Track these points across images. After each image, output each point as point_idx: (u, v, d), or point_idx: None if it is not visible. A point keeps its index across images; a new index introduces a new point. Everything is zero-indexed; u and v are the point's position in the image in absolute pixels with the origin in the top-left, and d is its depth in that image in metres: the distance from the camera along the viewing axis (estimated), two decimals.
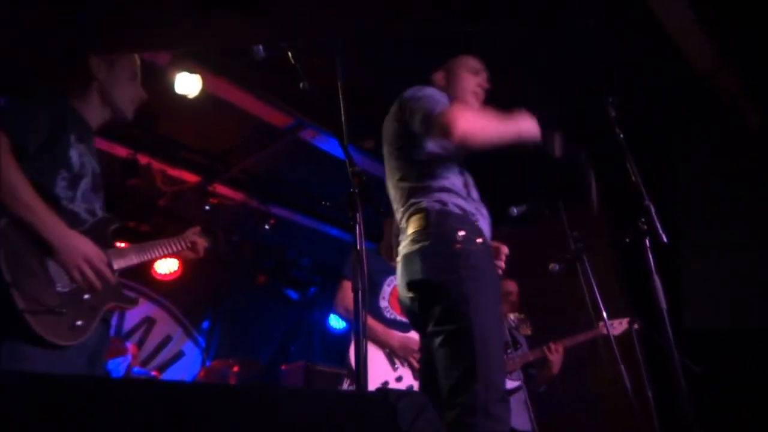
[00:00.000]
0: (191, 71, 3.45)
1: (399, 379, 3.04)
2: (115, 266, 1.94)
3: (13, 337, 1.64)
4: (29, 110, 1.85)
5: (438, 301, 1.96)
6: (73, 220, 1.87)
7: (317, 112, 4.32)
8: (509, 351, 3.72)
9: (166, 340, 5.84)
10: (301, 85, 1.99)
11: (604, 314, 3.10)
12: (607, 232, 4.52)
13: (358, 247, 1.69)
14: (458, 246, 1.97)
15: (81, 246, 1.80)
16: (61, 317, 1.72)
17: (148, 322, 5.75)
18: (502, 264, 2.30)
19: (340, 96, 2.04)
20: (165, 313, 5.86)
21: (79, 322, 1.77)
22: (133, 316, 5.62)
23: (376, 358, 3.06)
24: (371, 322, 3.11)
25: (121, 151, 4.36)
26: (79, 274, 1.79)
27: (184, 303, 5.95)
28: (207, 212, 4.91)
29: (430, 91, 2.19)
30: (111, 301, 1.91)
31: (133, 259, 2.12)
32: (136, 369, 5.06)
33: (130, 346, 5.21)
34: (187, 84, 3.45)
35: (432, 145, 2.15)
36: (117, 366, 4.95)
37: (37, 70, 2.53)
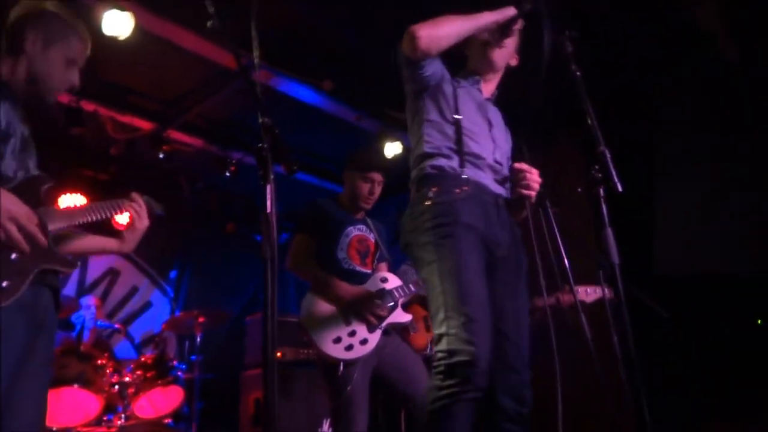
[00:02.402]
0: (121, 9, 3.15)
1: (352, 333, 2.93)
2: (50, 227, 1.84)
3: None
4: None
5: (415, 259, 2.12)
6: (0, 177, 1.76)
7: (271, 53, 4.06)
8: None
9: (132, 292, 5.74)
10: (208, 24, 1.75)
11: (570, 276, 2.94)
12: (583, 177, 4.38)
13: (268, 210, 1.51)
14: (427, 203, 2.09)
15: (5, 203, 1.67)
16: None
17: (112, 274, 5.62)
18: (526, 190, 2.28)
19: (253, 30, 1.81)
20: (129, 263, 5.72)
21: (4, 284, 1.68)
22: (96, 268, 5.49)
23: (328, 313, 2.94)
24: (322, 276, 2.99)
25: (62, 98, 4.08)
26: (5, 233, 1.66)
27: (149, 253, 5.80)
28: (163, 159, 4.70)
29: None
30: (45, 264, 1.80)
31: (64, 221, 2.00)
32: (100, 322, 4.97)
33: (93, 299, 5.11)
34: (118, 23, 3.16)
35: (416, 97, 2.29)
36: (82, 320, 4.87)
37: None
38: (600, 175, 2.07)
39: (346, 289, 2.95)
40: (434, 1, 2.37)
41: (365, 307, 2.92)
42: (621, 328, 2.10)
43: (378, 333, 2.93)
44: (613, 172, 2.04)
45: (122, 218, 5.71)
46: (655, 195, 4.06)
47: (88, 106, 4.25)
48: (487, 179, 2.22)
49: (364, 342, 2.89)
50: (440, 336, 1.90)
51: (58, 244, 2.13)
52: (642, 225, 4.30)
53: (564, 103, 2.73)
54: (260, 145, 1.57)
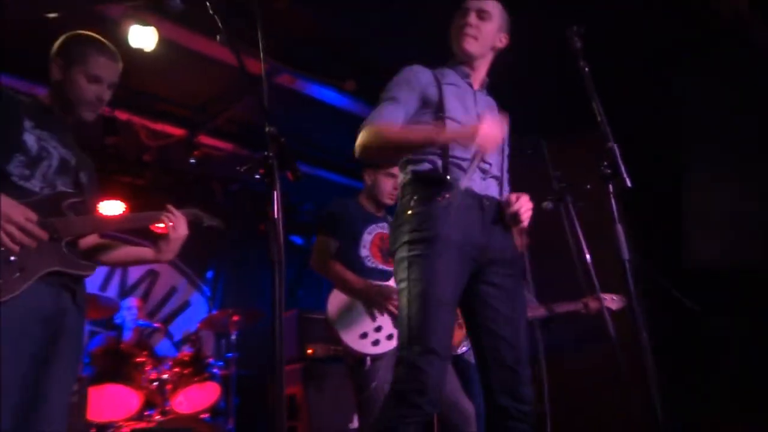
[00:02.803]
0: (144, 24, 3.28)
1: (378, 329, 2.99)
2: (65, 235, 1.97)
3: None
4: None
5: (394, 268, 2.12)
6: (21, 194, 1.90)
7: (294, 57, 4.16)
8: None
9: (171, 292, 5.94)
10: (218, 38, 1.84)
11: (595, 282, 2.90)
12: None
13: (276, 216, 1.58)
14: (409, 213, 2.07)
15: (3, 208, 1.80)
16: None
17: (152, 275, 5.83)
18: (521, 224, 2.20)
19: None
20: (168, 265, 5.92)
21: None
22: (136, 270, 5.71)
23: (354, 309, 3.00)
24: (346, 274, 3.05)
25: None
26: (5, 234, 1.79)
27: (186, 254, 5.95)
28: (195, 164, 4.86)
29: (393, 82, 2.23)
30: (55, 266, 1.91)
31: (91, 229, 2.18)
32: (141, 322, 5.17)
33: (134, 300, 5.31)
34: (142, 37, 3.30)
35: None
36: (123, 320, 5.07)
37: None
38: (609, 171, 2.08)
39: (369, 285, 3.00)
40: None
41: (389, 302, 2.97)
42: (634, 322, 2.12)
43: None
44: (623, 168, 2.05)
45: (109, 209, 5.85)
46: (685, 187, 3.99)
47: (122, 116, 4.44)
48: (473, 182, 2.16)
49: (390, 337, 2.93)
50: (399, 359, 1.93)
51: (97, 253, 2.26)
52: (672, 218, 4.24)
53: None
54: (266, 153, 1.65)
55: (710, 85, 3.98)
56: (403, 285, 2.00)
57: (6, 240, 1.79)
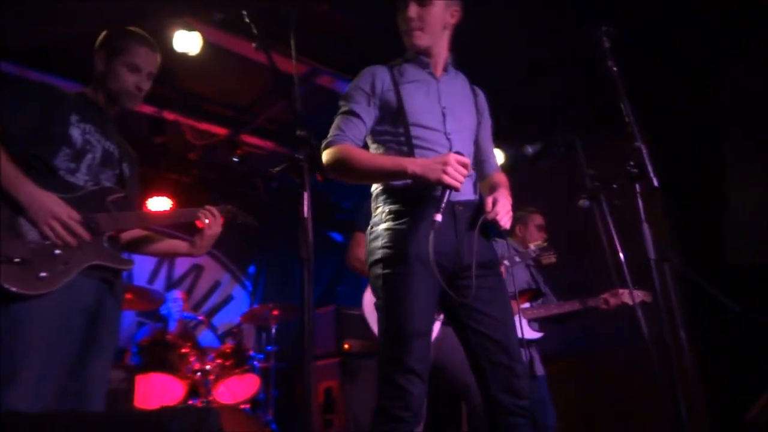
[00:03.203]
0: (189, 29, 3.43)
1: None
2: (107, 230, 2.07)
3: None
4: (14, 101, 2.03)
5: (371, 285, 2.14)
6: (68, 188, 2.01)
7: (333, 59, 4.26)
8: (531, 303, 3.66)
9: (215, 286, 6.13)
10: (254, 46, 1.94)
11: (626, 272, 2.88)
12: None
13: (305, 215, 1.66)
14: (382, 227, 2.09)
15: (48, 204, 1.91)
16: (26, 268, 1.83)
17: (197, 269, 6.04)
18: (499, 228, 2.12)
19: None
20: (212, 260, 6.12)
21: (43, 274, 1.86)
22: (183, 264, 5.92)
23: None
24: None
25: (146, 109, 4.47)
26: (50, 230, 1.90)
27: (230, 250, 6.18)
28: (238, 162, 5.02)
29: (353, 88, 2.20)
30: (95, 260, 2.00)
31: (134, 224, 2.29)
32: (186, 314, 5.37)
33: (179, 293, 5.51)
34: (187, 42, 3.46)
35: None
36: (169, 312, 5.28)
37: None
38: (636, 170, 2.08)
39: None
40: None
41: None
42: (659, 321, 2.12)
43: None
44: (650, 168, 2.05)
45: (157, 205, 6.03)
46: (724, 186, 3.92)
47: (170, 116, 4.62)
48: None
49: None
50: (382, 377, 1.97)
51: (137, 245, 2.38)
52: (712, 217, 4.16)
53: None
54: (297, 156, 1.73)
55: (750, 83, 3.89)
56: (380, 303, 2.06)
57: (50, 235, 1.90)
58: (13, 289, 1.79)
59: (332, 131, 2.15)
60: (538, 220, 3.98)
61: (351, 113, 2.14)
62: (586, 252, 3.81)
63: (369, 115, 2.15)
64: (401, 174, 2.01)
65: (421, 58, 2.23)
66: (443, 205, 1.92)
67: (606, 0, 3.48)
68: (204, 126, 4.87)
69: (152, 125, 4.46)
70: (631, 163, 2.08)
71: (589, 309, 3.64)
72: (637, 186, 2.10)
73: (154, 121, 4.47)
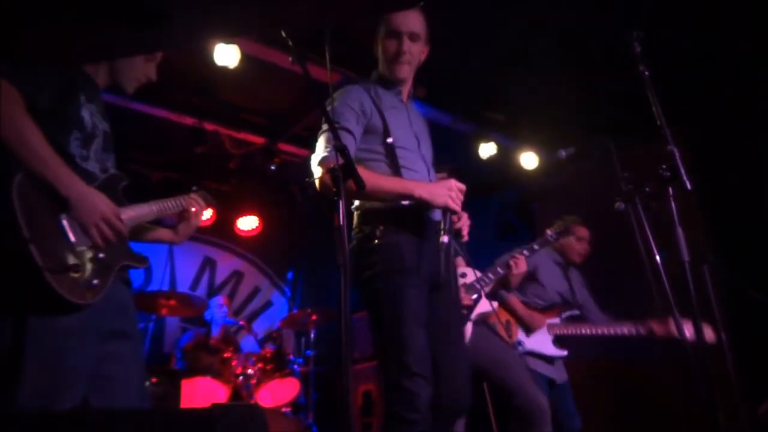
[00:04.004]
0: (227, 42, 3.56)
1: (463, 275, 3.19)
2: (130, 224, 1.93)
3: (34, 304, 1.61)
4: (39, 69, 1.81)
5: (362, 293, 2.24)
6: (86, 177, 1.83)
7: (368, 68, 4.32)
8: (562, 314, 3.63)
9: (255, 292, 6.27)
10: (290, 59, 2.01)
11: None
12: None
13: (341, 223, 1.72)
14: (376, 242, 2.19)
15: (100, 204, 1.77)
16: (78, 276, 1.68)
17: (237, 276, 6.19)
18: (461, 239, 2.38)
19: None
20: (251, 266, 6.27)
21: (95, 281, 1.73)
22: (223, 271, 6.08)
23: None
24: None
25: (187, 120, 4.63)
26: (98, 232, 1.76)
27: (269, 256, 6.31)
28: (276, 170, 5.14)
29: (340, 106, 2.28)
30: (124, 260, 1.88)
31: (135, 218, 2.04)
32: (228, 319, 5.51)
33: (222, 298, 5.66)
34: (226, 55, 3.58)
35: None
36: (213, 317, 5.43)
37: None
38: (669, 173, 2.09)
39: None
40: None
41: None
42: (695, 327, 2.11)
43: (469, 325, 3.07)
44: (683, 171, 2.05)
45: (244, 225, 6.21)
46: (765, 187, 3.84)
47: (210, 126, 4.76)
48: (436, 212, 2.27)
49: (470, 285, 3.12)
50: (389, 385, 2.06)
51: (134, 234, 2.13)
52: (754, 220, 4.08)
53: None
54: (333, 165, 1.80)
55: None
56: (379, 314, 2.16)
57: (96, 236, 1.75)
58: (77, 301, 1.64)
59: (325, 146, 2.22)
60: (580, 231, 3.93)
61: (343, 129, 2.21)
62: (621, 255, 3.78)
63: (358, 132, 2.27)
64: (408, 197, 2.17)
65: (396, 85, 2.43)
66: (447, 227, 2.10)
67: (646, 4, 3.48)
68: (242, 135, 5.01)
69: (193, 136, 4.61)
70: (664, 166, 2.08)
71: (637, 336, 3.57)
72: (670, 189, 2.10)
73: (196, 132, 4.62)
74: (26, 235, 1.57)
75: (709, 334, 3.44)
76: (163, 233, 2.24)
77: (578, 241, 3.91)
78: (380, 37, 2.40)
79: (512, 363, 3.09)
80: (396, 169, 2.27)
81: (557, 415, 3.45)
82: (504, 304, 3.53)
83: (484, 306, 3.17)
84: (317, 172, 2.17)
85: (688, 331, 3.45)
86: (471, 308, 3.10)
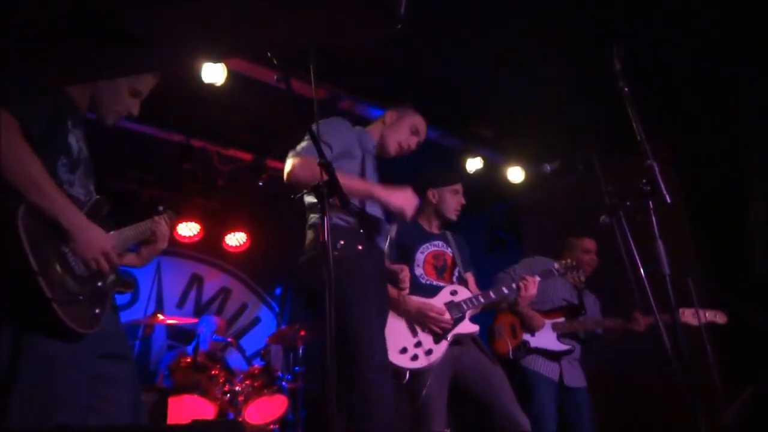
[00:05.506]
0: (215, 60, 3.59)
1: (418, 344, 3.05)
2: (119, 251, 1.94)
3: (34, 329, 1.63)
4: (31, 93, 1.80)
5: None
6: (73, 203, 1.82)
7: (353, 83, 4.37)
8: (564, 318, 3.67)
9: (243, 308, 6.24)
10: (275, 78, 2.04)
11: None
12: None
13: (325, 239, 1.73)
14: (336, 254, 2.29)
15: (99, 240, 1.80)
16: (81, 305, 1.72)
17: (225, 292, 6.16)
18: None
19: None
20: (239, 282, 6.25)
21: (97, 310, 1.78)
22: (211, 288, 6.05)
23: (395, 324, 3.04)
24: (390, 290, 3.16)
25: (175, 137, 4.64)
26: (96, 265, 1.80)
27: (257, 272, 6.30)
28: (264, 186, 5.14)
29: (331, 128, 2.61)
30: (116, 287, 1.94)
31: (125, 246, 2.11)
32: (215, 336, 5.46)
33: (215, 318, 5.60)
34: (213, 73, 3.61)
35: None
36: (200, 335, 5.37)
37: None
38: (649, 187, 2.12)
39: (412, 302, 3.11)
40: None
41: (429, 319, 3.08)
42: (675, 339, 2.14)
43: (444, 344, 3.05)
44: (662, 185, 2.09)
45: (231, 240, 6.17)
46: (749, 198, 3.90)
47: (197, 143, 4.77)
48: (377, 235, 2.60)
49: (429, 352, 3.02)
50: (350, 387, 2.19)
51: None
52: (739, 230, 4.14)
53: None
54: (318, 183, 1.82)
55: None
56: (341, 321, 2.24)
57: (106, 269, 1.82)
58: (83, 331, 1.68)
59: (304, 146, 2.49)
60: (586, 244, 4.01)
61: (326, 145, 2.46)
62: (606, 268, 3.83)
63: (334, 150, 2.54)
64: (372, 194, 2.52)
65: (379, 151, 2.92)
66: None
67: (630, 20, 3.55)
68: (230, 152, 5.02)
69: (181, 152, 4.62)
70: (644, 180, 2.12)
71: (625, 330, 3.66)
72: (651, 203, 2.14)
73: (183, 148, 4.63)
74: (35, 268, 1.58)
75: (720, 316, 3.54)
76: (128, 258, 2.21)
77: (585, 254, 3.97)
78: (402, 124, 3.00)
79: (495, 383, 3.08)
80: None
81: (564, 419, 3.52)
82: (510, 307, 3.64)
83: (466, 327, 3.17)
84: (292, 160, 2.39)
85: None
86: (449, 329, 3.10)
